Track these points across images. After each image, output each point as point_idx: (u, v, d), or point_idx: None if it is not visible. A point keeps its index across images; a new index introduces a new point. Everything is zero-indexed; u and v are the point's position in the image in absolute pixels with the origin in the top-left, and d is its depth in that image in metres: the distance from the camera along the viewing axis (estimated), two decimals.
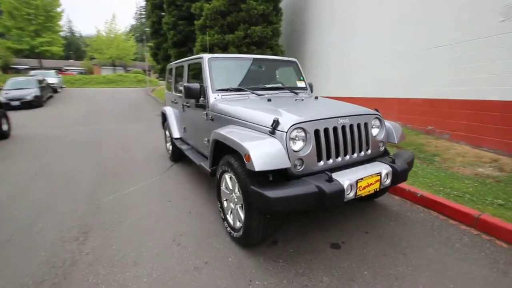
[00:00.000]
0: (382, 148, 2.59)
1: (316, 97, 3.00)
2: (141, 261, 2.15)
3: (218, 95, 2.98)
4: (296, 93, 3.41)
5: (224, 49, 10.14)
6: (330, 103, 2.86)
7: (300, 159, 2.05)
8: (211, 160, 2.69)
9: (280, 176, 2.07)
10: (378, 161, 2.41)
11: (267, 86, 3.37)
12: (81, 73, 37.45)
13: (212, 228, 2.62)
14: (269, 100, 2.72)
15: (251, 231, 2.09)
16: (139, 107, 13.60)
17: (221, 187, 2.52)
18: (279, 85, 3.49)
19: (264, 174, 2.03)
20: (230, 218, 2.45)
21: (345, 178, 1.99)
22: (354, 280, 1.92)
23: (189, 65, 3.65)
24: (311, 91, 3.68)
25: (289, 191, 1.83)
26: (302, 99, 2.85)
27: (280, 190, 1.83)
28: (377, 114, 2.56)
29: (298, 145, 2.07)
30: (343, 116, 2.27)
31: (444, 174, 3.61)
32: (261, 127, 2.17)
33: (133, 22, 68.16)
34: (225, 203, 2.54)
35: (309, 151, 2.07)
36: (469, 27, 4.42)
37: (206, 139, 3.11)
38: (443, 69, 4.91)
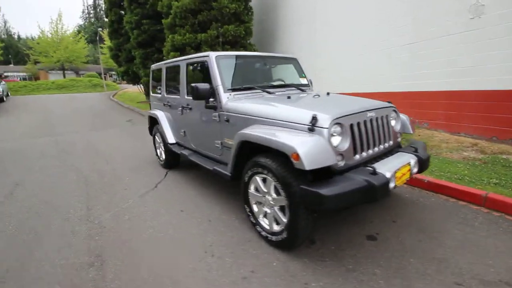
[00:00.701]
0: (399, 139, 2.70)
1: (328, 93, 3.02)
2: (180, 279, 1.96)
3: (230, 94, 2.84)
4: (303, 90, 3.41)
5: (197, 49, 9.83)
6: (347, 98, 2.89)
7: (341, 154, 2.04)
8: (234, 164, 2.56)
9: (320, 174, 2.02)
10: (401, 151, 2.50)
11: (274, 84, 3.32)
12: (24, 79, 33.51)
13: (242, 234, 2.49)
14: (288, 97, 2.66)
15: (299, 231, 2.01)
16: (104, 113, 12.60)
17: (250, 191, 2.41)
18: (283, 82, 3.45)
19: (304, 172, 1.98)
20: (263, 222, 2.35)
21: (384, 170, 2.02)
22: (404, 268, 1.96)
23: (187, 65, 3.43)
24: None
25: (342, 187, 1.80)
26: (319, 95, 2.85)
27: (333, 187, 1.79)
28: (393, 107, 2.65)
29: (336, 141, 2.05)
30: (370, 109, 2.31)
31: (437, 160, 3.89)
32: (297, 124, 2.10)
33: (81, 22, 62.94)
34: (255, 207, 2.43)
35: (347, 145, 2.07)
36: (441, 25, 4.83)
37: (219, 141, 2.95)
38: (419, 63, 5.31)
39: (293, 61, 3.70)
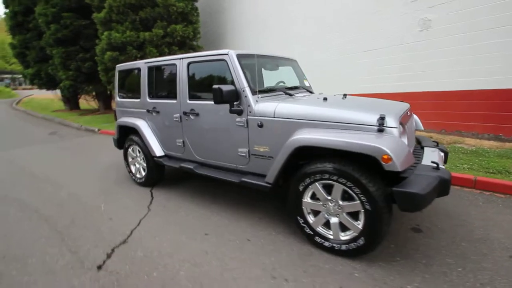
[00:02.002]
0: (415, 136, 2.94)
1: (345, 95, 3.06)
2: None
3: (258, 97, 2.58)
4: (312, 92, 3.38)
5: (139, 49, 8.81)
6: (373, 99, 2.97)
7: None
8: (280, 172, 2.31)
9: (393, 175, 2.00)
10: (426, 146, 2.71)
11: (289, 86, 3.19)
12: None
13: (296, 249, 2.27)
14: (325, 99, 2.58)
15: (381, 236, 1.94)
16: (13, 126, 10.04)
17: (304, 200, 2.22)
18: (284, 83, 3.35)
19: (380, 175, 1.94)
20: (325, 231, 2.19)
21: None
22: (466, 253, 2.11)
23: (190, 64, 2.98)
24: None
25: (429, 186, 1.81)
26: (345, 96, 2.85)
27: (422, 186, 1.79)
28: (409, 106, 2.87)
29: (405, 140, 2.08)
30: (405, 110, 2.44)
31: None
32: (362, 125, 2.03)
33: None
34: (310, 217, 2.25)
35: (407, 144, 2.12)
36: (396, 35, 5.56)
37: (245, 149, 2.64)
38: (377, 68, 5.98)
39: (294, 62, 3.64)
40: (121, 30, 8.52)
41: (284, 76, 3.58)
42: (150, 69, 3.45)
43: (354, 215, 2.04)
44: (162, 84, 3.41)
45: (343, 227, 2.11)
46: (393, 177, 1.95)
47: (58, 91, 13.07)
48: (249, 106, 2.54)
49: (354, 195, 1.95)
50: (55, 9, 9.60)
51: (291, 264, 2.08)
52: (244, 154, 2.67)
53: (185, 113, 3.06)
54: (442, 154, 2.53)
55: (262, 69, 3.13)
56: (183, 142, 3.21)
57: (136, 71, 3.68)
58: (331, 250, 2.16)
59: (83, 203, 3.44)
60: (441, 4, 4.72)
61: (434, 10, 4.82)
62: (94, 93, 12.11)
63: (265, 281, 1.93)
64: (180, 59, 3.07)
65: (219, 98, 2.45)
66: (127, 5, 8.46)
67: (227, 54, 2.65)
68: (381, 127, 1.95)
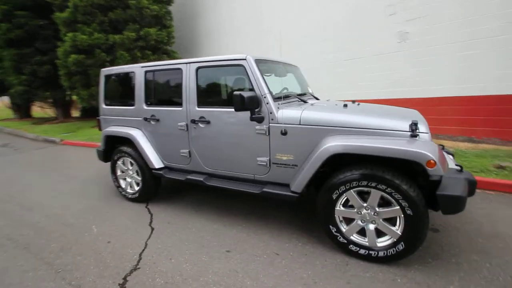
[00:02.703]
0: None
1: (355, 101, 3.10)
2: None
3: (278, 103, 2.50)
4: (318, 99, 3.40)
5: (109, 52, 8.22)
6: (384, 106, 3.05)
7: None
8: (310, 180, 2.24)
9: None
10: None
11: (298, 92, 3.17)
12: None
13: (330, 259, 2.19)
14: (345, 105, 2.58)
15: (420, 241, 1.96)
16: None
17: (337, 208, 2.18)
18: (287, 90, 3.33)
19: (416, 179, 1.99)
20: (360, 238, 2.16)
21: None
22: (489, 250, 2.23)
23: (199, 69, 2.79)
24: None
25: (464, 188, 1.88)
26: (359, 104, 2.90)
27: (461, 188, 1.85)
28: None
29: None
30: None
31: None
32: (395, 131, 2.06)
33: None
34: (343, 225, 2.20)
35: None
36: (376, 46, 5.91)
37: (265, 158, 2.53)
38: (360, 75, 6.29)
39: (297, 69, 3.63)
40: (88, 32, 7.85)
41: (286, 82, 3.56)
42: (148, 73, 3.17)
43: (391, 221, 2.04)
44: (163, 90, 3.16)
45: (378, 233, 2.11)
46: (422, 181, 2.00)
47: (5, 98, 11.53)
48: (271, 113, 2.44)
49: (394, 201, 1.95)
50: (6, 7, 8.51)
51: (332, 276, 2.01)
52: (264, 163, 2.55)
53: (193, 121, 2.85)
54: (451, 156, 2.68)
55: (273, 75, 3.07)
56: (189, 152, 2.98)
57: (128, 75, 3.36)
58: (367, 258, 2.13)
59: (69, 225, 3.01)
60: (418, 18, 5.15)
61: (411, 23, 5.23)
62: (51, 100, 10.91)
63: None
64: (187, 63, 2.86)
65: (241, 105, 2.32)
66: (94, 6, 7.85)
67: (245, 59, 2.53)
68: (414, 133, 2.00)
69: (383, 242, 2.09)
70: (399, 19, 5.39)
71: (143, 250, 2.47)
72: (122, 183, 3.60)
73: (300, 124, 2.34)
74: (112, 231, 2.82)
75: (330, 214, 2.20)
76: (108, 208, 3.38)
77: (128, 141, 3.37)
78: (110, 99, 3.63)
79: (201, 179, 2.88)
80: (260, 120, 2.47)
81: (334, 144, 2.09)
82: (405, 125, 2.07)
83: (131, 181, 3.52)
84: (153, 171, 3.22)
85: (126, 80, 3.43)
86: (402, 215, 1.94)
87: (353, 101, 3.06)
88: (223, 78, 2.87)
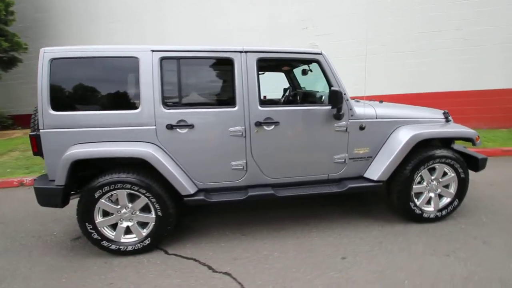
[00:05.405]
0: None
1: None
2: None
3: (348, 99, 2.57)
4: None
5: None
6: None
7: None
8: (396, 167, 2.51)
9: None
10: None
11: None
12: None
13: (440, 230, 2.56)
14: (381, 101, 3.00)
15: (464, 195, 2.72)
16: None
17: (415, 186, 2.58)
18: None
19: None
20: (426, 206, 2.67)
21: None
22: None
23: (259, 60, 2.30)
24: None
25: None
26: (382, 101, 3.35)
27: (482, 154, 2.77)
28: None
29: None
30: None
31: None
32: (436, 119, 2.74)
33: None
34: (417, 200, 2.64)
35: None
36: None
37: (343, 155, 2.54)
38: None
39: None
40: None
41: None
42: (167, 62, 2.21)
43: (448, 187, 2.69)
44: (197, 85, 2.32)
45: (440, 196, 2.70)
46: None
47: None
48: (350, 109, 2.48)
49: (452, 170, 2.59)
50: None
51: (454, 241, 2.37)
52: (342, 160, 2.54)
53: (259, 124, 2.32)
54: None
55: None
56: (246, 163, 2.39)
57: (118, 62, 2.18)
58: (433, 219, 2.67)
59: None
60: (324, 35, 6.44)
61: (319, 38, 6.46)
62: None
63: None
64: (241, 52, 2.27)
65: (340, 102, 2.25)
66: None
67: (321, 54, 2.40)
68: (448, 119, 2.76)
69: (442, 203, 2.70)
70: (310, 34, 6.50)
71: None
72: (108, 232, 2.28)
73: (376, 119, 2.55)
74: None
75: (409, 191, 2.57)
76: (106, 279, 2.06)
77: (126, 165, 2.21)
78: (70, 100, 2.18)
79: (270, 192, 2.41)
80: (341, 117, 2.44)
81: (418, 132, 2.47)
82: (441, 115, 2.79)
83: (131, 225, 2.30)
84: (185, 199, 2.30)
85: (111, 69, 2.20)
86: (457, 180, 2.64)
87: (380, 101, 3.48)
88: (292, 72, 2.52)
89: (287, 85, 3.72)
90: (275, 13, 6.66)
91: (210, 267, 2.16)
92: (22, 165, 4.84)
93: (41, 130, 2.14)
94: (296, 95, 3.37)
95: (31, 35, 7.10)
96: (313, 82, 3.56)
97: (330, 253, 2.29)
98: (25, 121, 8.15)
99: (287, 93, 3.43)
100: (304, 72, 3.11)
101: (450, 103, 5.92)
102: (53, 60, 2.11)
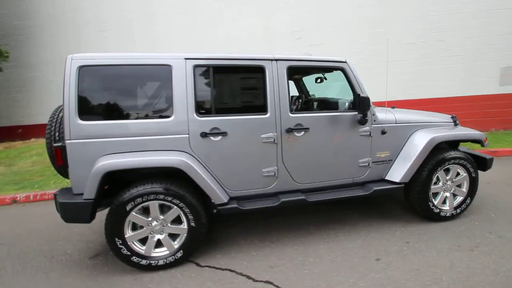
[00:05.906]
0: None
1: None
2: None
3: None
4: None
5: None
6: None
7: None
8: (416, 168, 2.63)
9: None
10: None
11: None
12: None
13: (467, 225, 2.69)
14: (393, 107, 3.15)
15: (475, 193, 2.90)
16: None
17: (432, 187, 2.73)
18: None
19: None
20: (443, 206, 2.82)
21: None
22: None
23: (289, 68, 2.35)
24: None
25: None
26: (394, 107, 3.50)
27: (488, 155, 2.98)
28: None
29: None
30: None
31: None
32: (446, 123, 2.93)
33: None
34: (436, 199, 2.78)
35: None
36: None
37: (367, 159, 2.64)
38: None
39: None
40: None
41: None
42: (200, 69, 2.19)
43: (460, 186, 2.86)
44: (229, 92, 2.31)
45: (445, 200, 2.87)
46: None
47: None
48: (373, 115, 2.59)
49: (464, 170, 2.77)
50: None
51: (473, 237, 2.52)
52: (366, 164, 2.63)
53: (290, 130, 2.35)
54: None
55: None
56: (277, 169, 2.40)
57: (150, 71, 2.13)
58: (449, 218, 2.82)
59: None
60: (317, 45, 6.67)
61: (312, 48, 6.67)
62: None
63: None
64: (271, 60, 2.31)
65: (368, 108, 2.36)
66: None
67: (345, 62, 2.49)
68: (456, 123, 2.96)
69: (456, 201, 2.86)
70: (304, 43, 6.70)
71: None
72: (137, 247, 2.17)
73: (396, 123, 2.69)
74: None
75: (427, 192, 2.70)
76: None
77: (154, 175, 2.14)
78: (99, 110, 2.08)
79: (302, 197, 2.43)
80: (365, 122, 2.54)
81: (436, 135, 2.63)
82: (449, 119, 2.98)
83: (162, 237, 2.21)
84: (218, 207, 2.25)
85: (143, 78, 2.14)
86: (469, 179, 2.82)
87: (393, 107, 3.61)
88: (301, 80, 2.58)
89: (295, 93, 3.81)
90: (269, 23, 6.81)
91: (249, 277, 2.12)
92: (10, 181, 4.47)
93: (67, 141, 2.02)
94: (309, 102, 3.45)
95: (11, 42, 6.68)
96: (323, 89, 3.68)
97: (363, 255, 2.34)
98: (3, 134, 7.57)
99: (300, 101, 3.51)
100: (320, 80, 3.21)
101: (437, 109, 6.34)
102: (81, 68, 2.01)
